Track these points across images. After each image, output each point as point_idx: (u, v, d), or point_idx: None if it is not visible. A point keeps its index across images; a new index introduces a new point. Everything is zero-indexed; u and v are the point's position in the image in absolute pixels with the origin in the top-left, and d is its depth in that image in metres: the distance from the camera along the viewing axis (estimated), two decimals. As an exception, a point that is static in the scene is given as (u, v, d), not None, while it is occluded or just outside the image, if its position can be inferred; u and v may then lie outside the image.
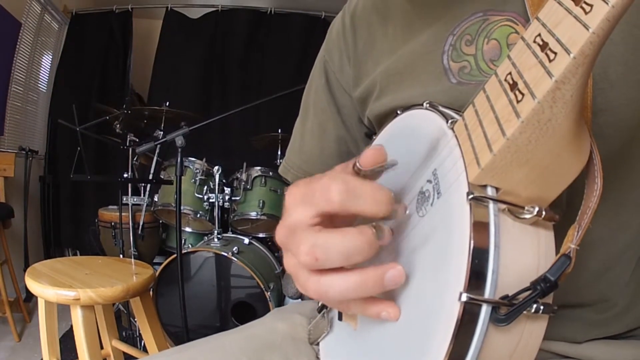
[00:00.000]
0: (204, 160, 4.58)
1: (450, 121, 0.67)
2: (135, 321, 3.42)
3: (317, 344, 0.98)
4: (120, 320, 4.28)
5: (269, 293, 3.76)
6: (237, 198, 4.47)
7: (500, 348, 0.53)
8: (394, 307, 0.65)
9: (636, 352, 0.99)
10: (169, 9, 6.89)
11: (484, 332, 0.51)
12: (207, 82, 6.88)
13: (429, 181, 0.67)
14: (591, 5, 0.44)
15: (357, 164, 0.66)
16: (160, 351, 1.19)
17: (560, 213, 0.56)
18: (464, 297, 0.50)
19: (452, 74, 0.99)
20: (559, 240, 0.56)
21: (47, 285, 2.37)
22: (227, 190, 4.44)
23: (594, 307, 0.97)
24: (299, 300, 3.58)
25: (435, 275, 0.59)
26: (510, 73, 0.54)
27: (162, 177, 4.53)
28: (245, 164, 4.64)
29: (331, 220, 0.64)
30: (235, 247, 3.92)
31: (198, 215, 4.49)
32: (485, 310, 0.51)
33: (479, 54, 0.96)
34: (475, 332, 0.51)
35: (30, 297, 4.95)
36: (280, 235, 0.66)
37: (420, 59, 1.06)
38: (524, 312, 0.51)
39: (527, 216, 0.55)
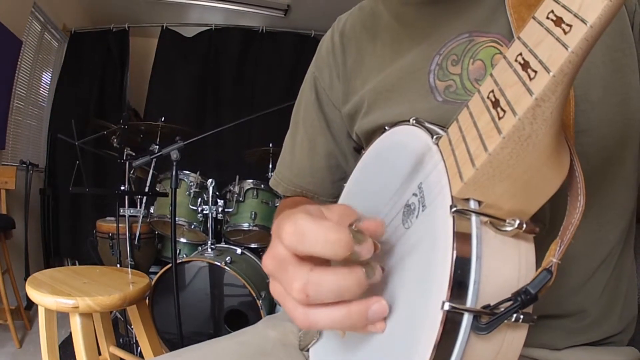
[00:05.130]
0: (198, 173, 4.59)
1: (435, 137, 0.67)
2: (132, 328, 3.40)
3: (307, 350, 0.98)
4: (118, 327, 4.25)
5: (260, 301, 3.74)
6: (230, 210, 4.47)
7: (481, 355, 0.53)
8: (380, 321, 0.65)
9: (614, 358, 1.00)
10: (164, 27, 6.89)
11: (465, 340, 0.51)
12: (201, 98, 6.88)
13: (415, 194, 0.67)
14: (570, 26, 0.44)
15: (353, 227, 0.64)
16: (155, 357, 1.18)
17: (542, 226, 0.56)
18: (447, 306, 0.50)
19: (438, 92, 1.00)
20: (540, 254, 0.56)
21: (47, 294, 2.36)
22: (221, 202, 4.45)
23: (572, 317, 0.98)
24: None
25: (420, 285, 0.59)
26: (492, 91, 0.54)
27: (157, 189, 4.52)
28: (238, 177, 4.64)
29: None
30: (228, 257, 3.91)
31: (192, 227, 4.48)
32: (467, 319, 0.51)
33: (464, 74, 0.97)
34: (457, 340, 0.51)
35: (31, 305, 4.92)
36: (269, 265, 0.66)
37: (407, 77, 1.06)
38: (505, 321, 0.51)
39: (509, 228, 0.55)
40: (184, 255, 4.62)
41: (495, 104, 0.53)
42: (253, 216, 4.46)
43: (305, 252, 0.60)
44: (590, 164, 0.90)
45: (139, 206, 4.68)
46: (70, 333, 2.55)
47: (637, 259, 1.17)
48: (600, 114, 0.88)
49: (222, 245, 4.55)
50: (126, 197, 4.44)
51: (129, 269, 3.20)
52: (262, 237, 4.66)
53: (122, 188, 4.28)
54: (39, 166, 6.08)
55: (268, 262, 0.66)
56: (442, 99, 0.99)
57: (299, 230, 0.59)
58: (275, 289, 0.66)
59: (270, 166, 4.98)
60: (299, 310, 0.62)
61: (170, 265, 3.53)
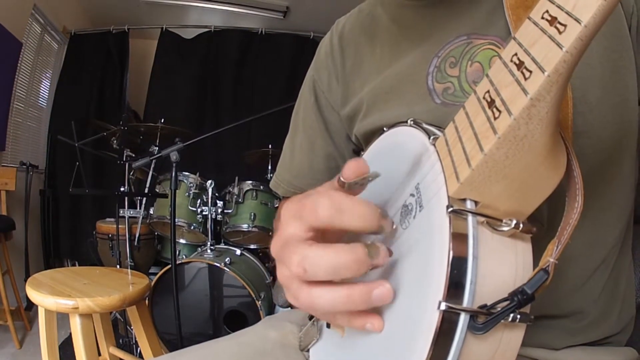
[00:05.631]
0: (198, 174, 4.59)
1: (432, 137, 0.67)
2: (132, 329, 3.40)
3: (307, 351, 0.98)
4: (117, 328, 4.24)
5: (259, 302, 3.74)
6: (229, 211, 4.47)
7: (478, 355, 0.53)
8: (378, 319, 0.65)
9: (612, 358, 1.00)
10: (164, 29, 6.90)
11: (462, 339, 0.51)
12: (200, 99, 6.88)
13: (412, 195, 0.67)
14: (565, 26, 0.44)
15: (341, 177, 0.66)
16: (155, 357, 1.19)
17: (539, 226, 0.56)
18: (443, 306, 0.50)
19: (437, 94, 1.00)
20: (538, 254, 0.56)
21: (47, 295, 2.36)
22: (220, 203, 4.45)
23: (570, 318, 0.98)
24: (289, 308, 3.58)
25: (417, 285, 0.60)
26: (488, 91, 0.54)
27: (157, 190, 4.51)
28: (237, 178, 4.64)
29: (323, 236, 0.65)
30: (228, 258, 3.91)
31: (192, 228, 4.48)
32: (463, 318, 0.51)
33: (462, 76, 0.97)
34: (454, 340, 0.51)
35: (31, 306, 4.92)
36: (275, 247, 0.67)
37: (406, 79, 1.06)
38: (502, 321, 0.51)
39: (505, 229, 0.55)
40: (184, 256, 4.62)
41: (491, 104, 0.53)
42: (252, 217, 4.46)
43: (340, 225, 0.61)
44: (588, 165, 0.89)
45: (138, 207, 4.69)
46: (70, 334, 2.55)
47: (635, 259, 1.17)
48: (599, 115, 0.88)
49: (222, 246, 4.55)
50: (126, 198, 4.44)
51: (129, 270, 3.20)
52: (262, 238, 4.66)
53: (122, 189, 4.28)
54: (39, 167, 6.09)
55: (274, 244, 0.67)
56: (440, 101, 0.99)
57: (337, 204, 0.61)
58: (281, 273, 0.66)
59: (270, 167, 5.00)
60: (302, 290, 0.63)
61: (169, 266, 3.53)
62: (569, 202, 0.58)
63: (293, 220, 0.65)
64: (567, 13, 0.44)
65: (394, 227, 0.65)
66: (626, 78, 0.90)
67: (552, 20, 0.46)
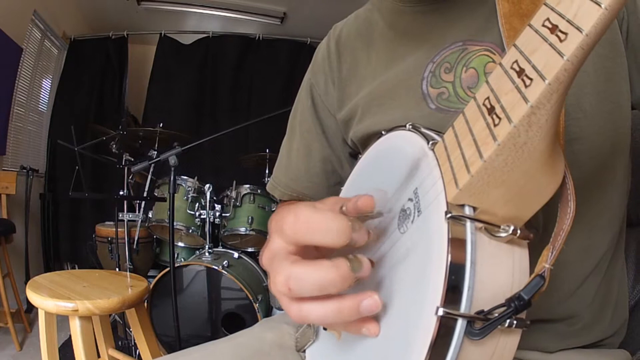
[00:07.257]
0: (196, 178, 4.58)
1: (431, 142, 0.67)
2: (131, 331, 3.38)
3: (304, 352, 0.98)
4: (116, 330, 4.24)
5: (257, 304, 3.74)
6: (227, 214, 4.48)
7: (474, 360, 0.53)
8: (374, 324, 0.65)
9: (605, 359, 1.00)
10: (162, 35, 6.90)
11: (459, 345, 0.51)
12: (198, 104, 6.89)
13: (410, 199, 0.67)
14: (566, 34, 0.44)
15: (343, 208, 0.66)
16: (153, 359, 1.19)
17: (535, 232, 0.56)
18: (441, 312, 0.50)
19: (431, 99, 1.00)
20: (533, 260, 0.56)
21: (47, 297, 2.36)
22: (218, 207, 4.45)
23: (564, 322, 0.98)
24: (286, 310, 3.57)
25: (414, 290, 0.59)
26: (488, 98, 0.54)
27: (156, 194, 4.52)
28: (234, 182, 4.64)
29: (316, 248, 0.65)
30: (226, 261, 3.91)
31: (190, 231, 4.48)
32: (460, 324, 0.51)
33: (457, 82, 0.97)
34: (451, 345, 0.51)
35: (31, 308, 4.92)
36: (264, 260, 0.68)
37: (401, 84, 1.06)
38: (498, 326, 0.51)
39: (503, 235, 0.54)
40: (182, 259, 4.62)
41: (491, 110, 0.52)
42: (250, 221, 4.46)
43: (307, 242, 0.61)
44: (582, 171, 0.90)
45: (137, 211, 4.69)
46: (70, 336, 2.55)
47: (627, 263, 1.17)
48: (593, 122, 0.88)
49: (220, 249, 4.54)
50: (125, 202, 4.43)
51: (128, 273, 3.19)
52: (259, 242, 4.67)
53: (121, 193, 4.28)
54: (39, 171, 6.07)
55: (264, 257, 0.68)
56: (434, 106, 0.99)
57: (302, 220, 0.61)
58: (273, 285, 0.66)
59: (267, 171, 5.00)
60: (292, 305, 0.63)
61: (168, 269, 3.53)
62: (561, 207, 0.58)
63: (275, 233, 0.66)
64: (569, 21, 0.44)
65: (370, 237, 0.64)
66: (619, 85, 0.90)
67: (553, 29, 0.46)
